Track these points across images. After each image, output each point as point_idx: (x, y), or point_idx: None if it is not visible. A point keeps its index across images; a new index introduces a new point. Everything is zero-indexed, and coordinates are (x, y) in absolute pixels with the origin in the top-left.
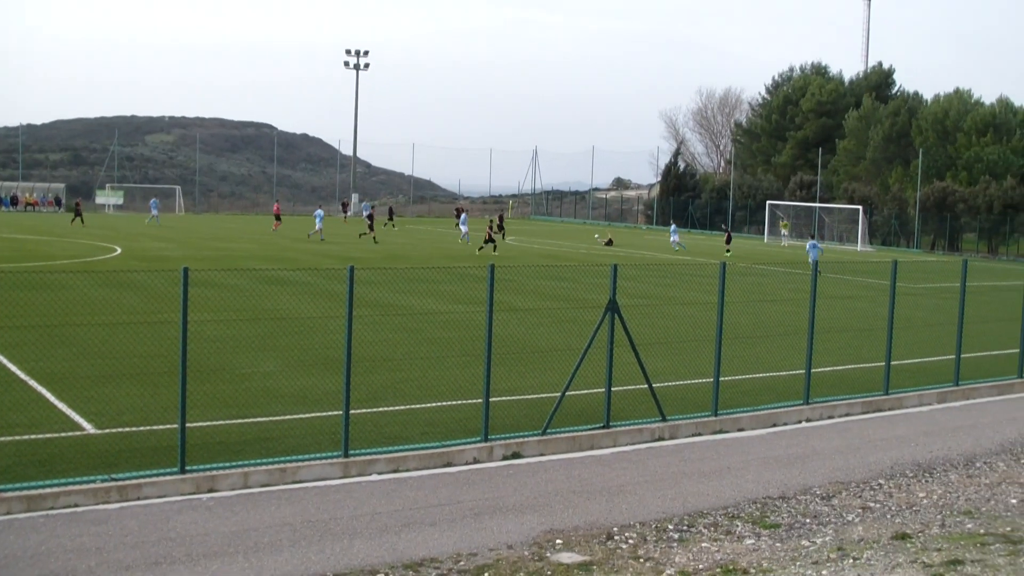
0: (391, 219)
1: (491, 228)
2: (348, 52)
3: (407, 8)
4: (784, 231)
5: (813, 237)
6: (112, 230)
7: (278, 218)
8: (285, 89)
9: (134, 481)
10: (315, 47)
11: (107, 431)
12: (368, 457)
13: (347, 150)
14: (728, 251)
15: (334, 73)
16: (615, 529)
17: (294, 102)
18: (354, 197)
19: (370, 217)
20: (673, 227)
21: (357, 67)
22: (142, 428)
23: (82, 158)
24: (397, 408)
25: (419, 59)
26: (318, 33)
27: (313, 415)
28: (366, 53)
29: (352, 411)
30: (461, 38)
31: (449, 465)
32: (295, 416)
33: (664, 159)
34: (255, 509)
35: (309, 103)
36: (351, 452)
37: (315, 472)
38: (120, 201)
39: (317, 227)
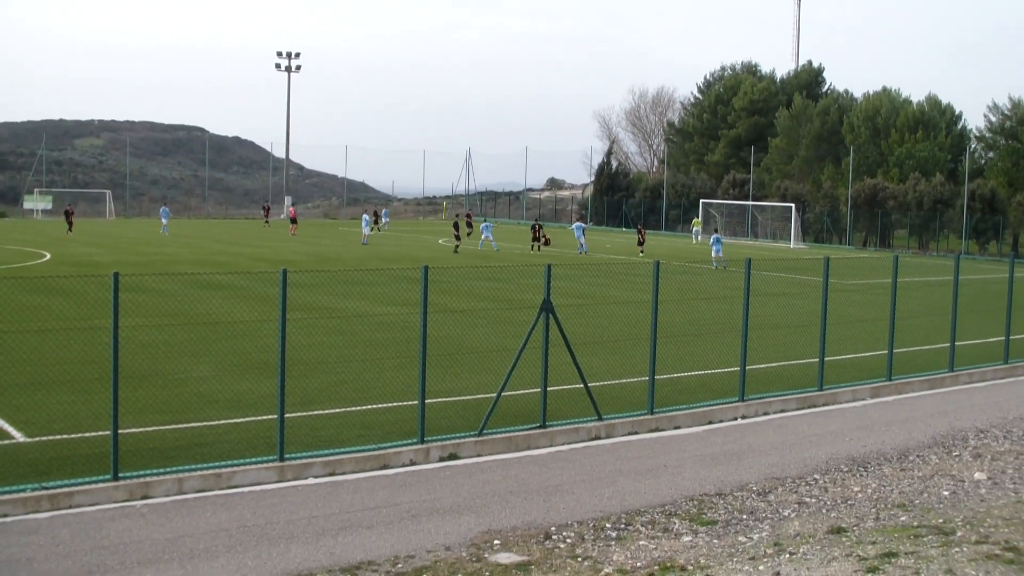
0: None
1: (457, 228)
2: (279, 54)
3: (338, 10)
4: (696, 228)
5: (717, 231)
6: (41, 235)
7: (294, 221)
8: (216, 92)
9: (66, 489)
10: (246, 49)
11: (37, 439)
12: (304, 461)
13: (280, 152)
14: (641, 252)
15: (265, 75)
16: (553, 529)
17: (225, 105)
18: (287, 200)
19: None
20: (577, 225)
21: (288, 69)
22: (74, 436)
23: (9, 163)
24: (333, 411)
25: (351, 61)
26: (249, 35)
27: (248, 419)
28: (297, 55)
29: (287, 415)
30: (392, 40)
31: (386, 467)
32: (230, 421)
33: (597, 159)
34: (190, 515)
35: (240, 106)
36: (287, 456)
37: (251, 477)
38: (49, 206)
39: (366, 231)
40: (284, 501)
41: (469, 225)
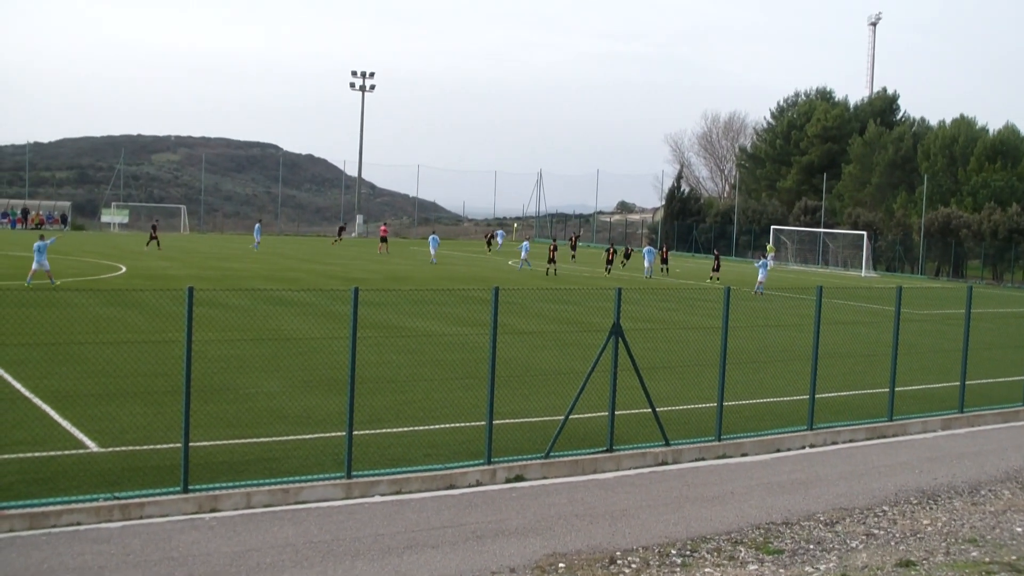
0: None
1: (553, 250)
2: (354, 73)
3: (413, 30)
4: (769, 255)
5: (765, 256)
6: (117, 248)
7: (384, 240)
8: (290, 110)
9: (137, 500)
10: (321, 68)
11: (110, 449)
12: (371, 479)
13: (352, 171)
14: (714, 278)
15: (340, 94)
16: (618, 553)
17: (299, 123)
18: (359, 218)
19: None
20: (648, 249)
21: (363, 88)
22: (145, 447)
23: (88, 176)
24: (400, 430)
25: (424, 81)
26: (324, 54)
27: (316, 436)
28: (372, 75)
29: (355, 432)
30: (466, 60)
31: (452, 487)
32: (298, 436)
33: (668, 183)
34: (257, 530)
35: (314, 124)
36: (354, 473)
37: (318, 493)
38: (125, 220)
39: (432, 251)
40: (350, 518)
41: (574, 248)
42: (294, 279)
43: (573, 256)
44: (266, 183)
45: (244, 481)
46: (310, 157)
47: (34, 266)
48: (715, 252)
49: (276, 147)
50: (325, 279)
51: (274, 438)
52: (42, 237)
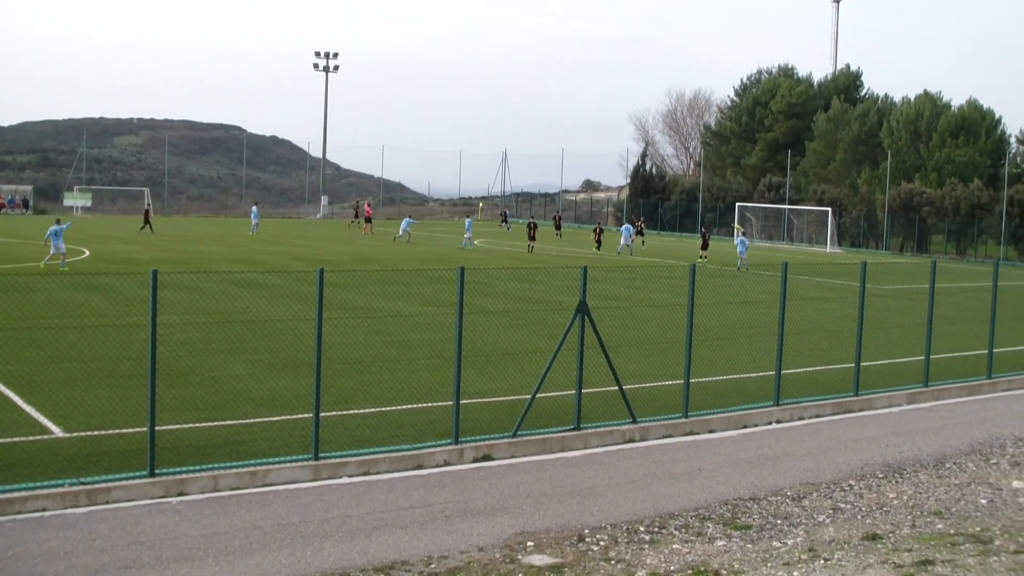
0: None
1: (533, 228)
2: (317, 54)
3: (376, 10)
4: (739, 239)
5: (744, 233)
6: (81, 232)
7: (368, 220)
8: (254, 91)
9: (103, 485)
10: (284, 49)
11: (76, 435)
12: (339, 460)
13: (316, 152)
14: (703, 257)
15: (304, 75)
16: (586, 531)
17: (263, 104)
18: (323, 199)
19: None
20: (626, 227)
21: (326, 69)
22: (111, 432)
23: (50, 160)
24: (368, 411)
25: (389, 61)
26: (287, 35)
27: (283, 418)
28: (335, 55)
29: (322, 414)
30: (430, 40)
31: (420, 468)
32: (265, 419)
33: (633, 161)
34: (225, 512)
35: (278, 105)
36: (321, 455)
37: (285, 475)
38: (88, 203)
39: (403, 231)
40: (319, 500)
41: (558, 228)
42: (261, 261)
43: (559, 235)
44: (231, 165)
45: (211, 464)
46: (274, 139)
47: (52, 250)
48: (703, 231)
49: (240, 129)
50: (291, 261)
51: (241, 421)
52: (58, 221)
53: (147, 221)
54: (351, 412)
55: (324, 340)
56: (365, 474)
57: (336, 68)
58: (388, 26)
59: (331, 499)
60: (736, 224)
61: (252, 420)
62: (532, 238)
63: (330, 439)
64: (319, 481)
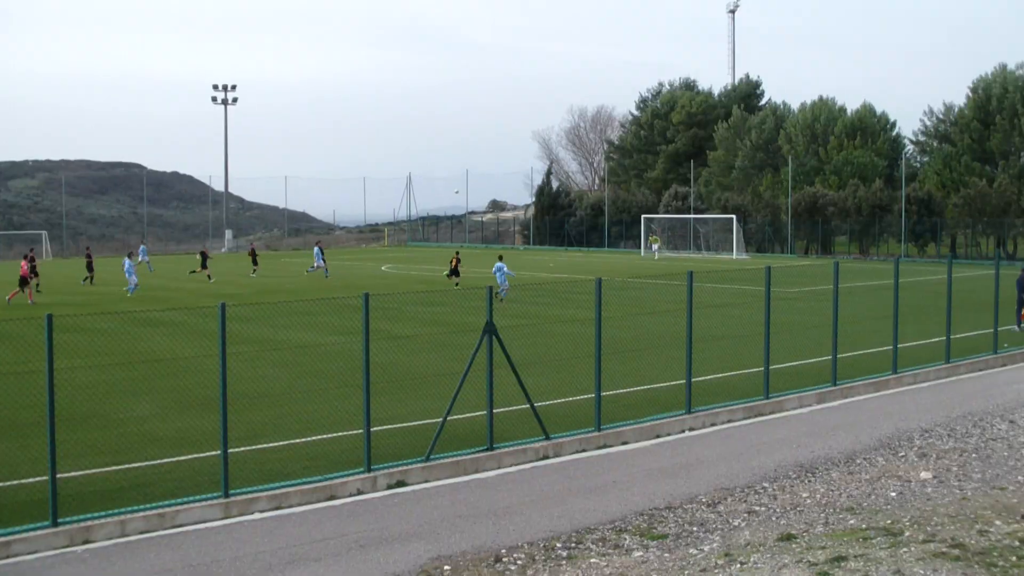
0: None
1: (456, 262)
2: (215, 87)
3: (273, 41)
4: (654, 246)
5: (501, 259)
6: None
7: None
8: (153, 127)
9: (3, 539)
10: (181, 83)
11: None
12: (249, 496)
13: (219, 186)
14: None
15: (202, 108)
16: (503, 551)
17: (163, 140)
18: (228, 233)
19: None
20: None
21: (225, 102)
22: (11, 483)
23: None
24: (278, 444)
25: (288, 91)
26: (183, 69)
27: (192, 457)
28: (233, 87)
29: (232, 450)
30: (328, 69)
31: (333, 498)
32: (173, 459)
33: (538, 179)
34: (133, 558)
35: (178, 140)
36: (232, 492)
37: (195, 515)
38: None
39: (317, 263)
40: (230, 538)
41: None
42: (164, 299)
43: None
44: (131, 203)
45: (118, 509)
46: (176, 174)
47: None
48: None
49: (140, 166)
50: (196, 297)
51: (148, 463)
52: (130, 255)
53: (90, 272)
54: (261, 446)
55: (232, 375)
56: (277, 508)
57: (235, 100)
58: (285, 56)
59: (243, 536)
60: (653, 236)
61: (159, 461)
62: (455, 272)
63: (240, 475)
64: (230, 519)
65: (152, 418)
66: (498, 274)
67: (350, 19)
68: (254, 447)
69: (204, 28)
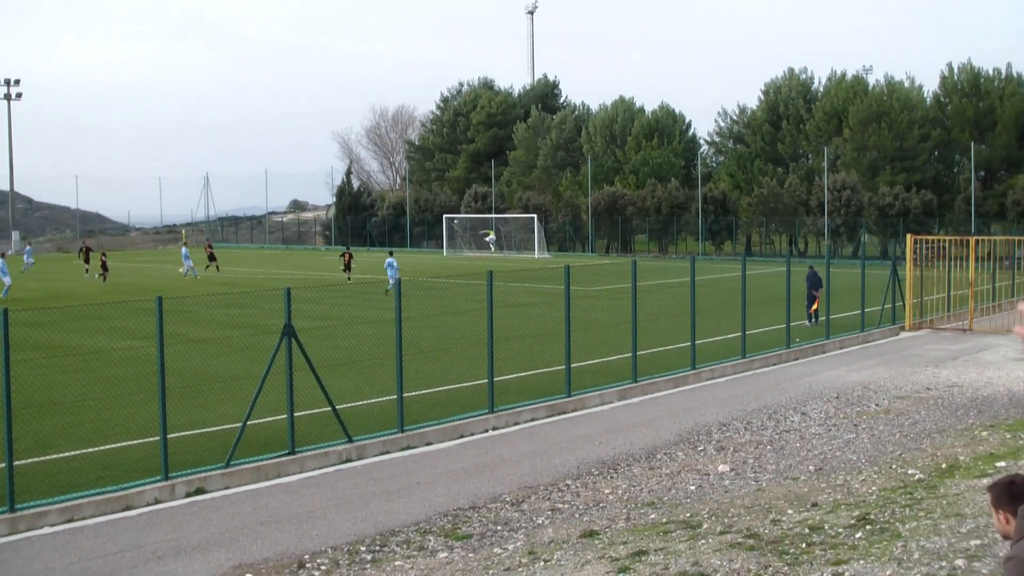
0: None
1: (348, 257)
2: None
3: (61, 34)
4: (490, 237)
5: (392, 254)
6: None
7: (212, 257)
8: None
9: None
10: None
11: None
12: (38, 509)
13: (3, 184)
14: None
15: None
16: (306, 557)
17: None
18: (14, 235)
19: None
20: (185, 251)
21: (8, 97)
22: None
23: None
24: (70, 454)
25: (79, 87)
26: None
27: None
28: (17, 82)
29: (18, 462)
30: (120, 65)
31: (129, 508)
32: None
33: (339, 179)
34: None
35: None
36: (18, 506)
37: None
38: None
39: (187, 265)
40: (16, 555)
41: (212, 258)
42: None
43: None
44: None
45: None
46: None
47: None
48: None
49: None
50: None
51: None
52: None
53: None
54: (52, 457)
55: (19, 383)
56: (69, 521)
57: (19, 96)
58: (73, 50)
59: (31, 552)
60: (489, 229)
61: None
62: (348, 267)
63: (29, 488)
64: (17, 535)
65: None
66: (389, 269)
67: (141, 14)
68: (43, 458)
69: None
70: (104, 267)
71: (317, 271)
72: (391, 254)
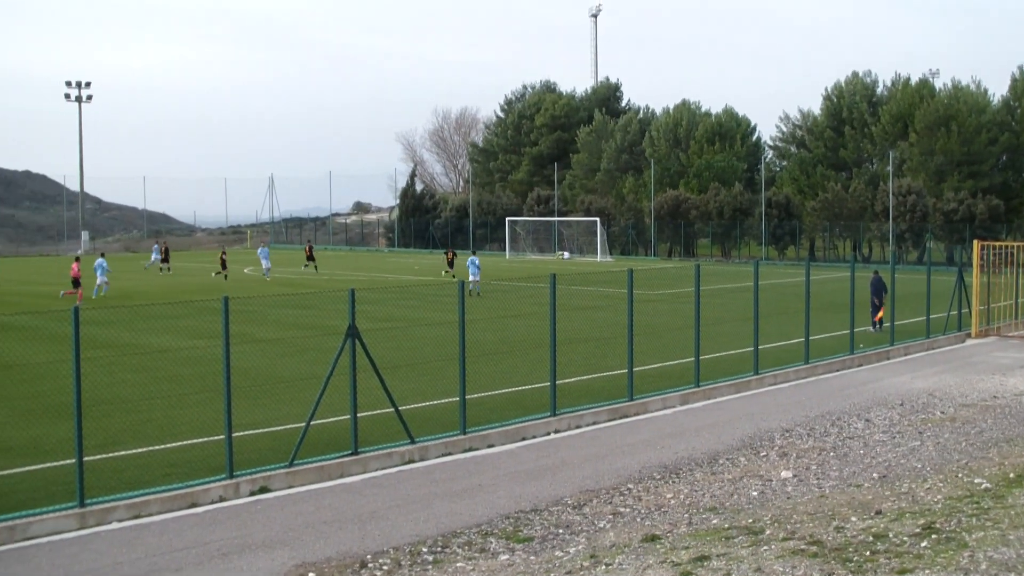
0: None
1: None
2: (68, 84)
3: (130, 36)
4: (565, 255)
5: (475, 253)
6: None
7: (311, 257)
8: (2, 125)
9: None
10: (32, 80)
11: None
12: (107, 505)
13: (73, 185)
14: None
15: (55, 106)
16: (368, 557)
17: (12, 138)
18: (84, 235)
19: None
20: (262, 250)
21: (79, 99)
22: None
23: None
24: (137, 451)
25: (145, 89)
26: (34, 65)
27: (45, 466)
28: (87, 84)
29: (88, 458)
30: (188, 66)
31: (194, 506)
32: (25, 468)
33: (403, 181)
34: None
35: (30, 138)
36: (88, 501)
37: (48, 527)
38: None
39: (265, 266)
40: (85, 549)
41: (311, 258)
42: (15, 303)
43: (306, 266)
44: None
45: None
46: (27, 173)
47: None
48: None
49: None
50: (51, 301)
51: None
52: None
53: (165, 259)
54: (119, 454)
55: (88, 381)
56: (136, 517)
57: (89, 98)
58: (140, 52)
59: (99, 547)
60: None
61: (11, 471)
62: (451, 265)
63: (97, 484)
64: (86, 529)
65: (3, 426)
66: (471, 267)
67: (210, 17)
68: (111, 455)
69: (56, 23)
70: (223, 264)
71: (380, 272)
72: (474, 253)
